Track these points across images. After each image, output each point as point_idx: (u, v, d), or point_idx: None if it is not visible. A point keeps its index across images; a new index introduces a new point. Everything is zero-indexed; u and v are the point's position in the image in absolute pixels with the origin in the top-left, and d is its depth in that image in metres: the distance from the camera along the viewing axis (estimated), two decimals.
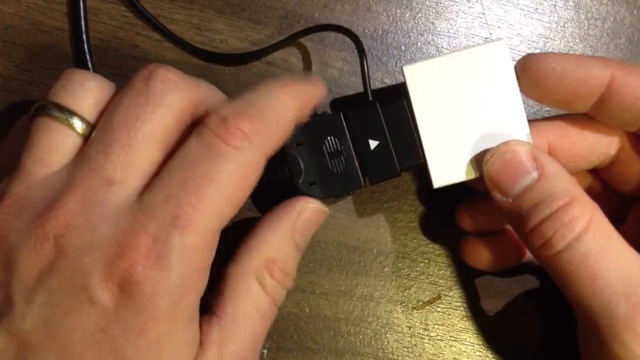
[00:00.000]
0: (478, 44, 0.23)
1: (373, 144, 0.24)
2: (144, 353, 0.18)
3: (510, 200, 0.21)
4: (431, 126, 0.23)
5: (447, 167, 0.23)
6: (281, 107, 0.21)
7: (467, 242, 0.27)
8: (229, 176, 0.19)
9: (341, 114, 0.24)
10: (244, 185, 0.20)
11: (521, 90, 0.23)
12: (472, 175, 0.23)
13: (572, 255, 0.20)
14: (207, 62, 0.27)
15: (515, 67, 0.23)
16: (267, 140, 0.20)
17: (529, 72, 0.22)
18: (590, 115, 0.23)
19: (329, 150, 0.24)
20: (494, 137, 0.23)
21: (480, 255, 0.26)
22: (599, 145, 0.24)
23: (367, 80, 0.25)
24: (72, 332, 0.18)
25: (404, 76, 0.23)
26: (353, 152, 0.24)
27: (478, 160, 0.23)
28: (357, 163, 0.24)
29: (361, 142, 0.24)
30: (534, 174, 0.21)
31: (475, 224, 0.26)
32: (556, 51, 0.29)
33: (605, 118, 0.23)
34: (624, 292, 0.19)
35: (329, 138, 0.24)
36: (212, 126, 0.19)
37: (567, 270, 0.20)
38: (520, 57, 0.23)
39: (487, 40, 0.28)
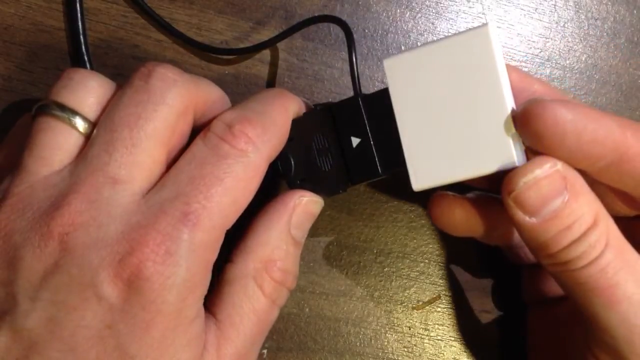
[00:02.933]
0: (464, 30, 0.21)
1: (355, 141, 0.23)
2: (149, 349, 0.19)
3: (535, 222, 0.20)
4: (411, 123, 0.21)
5: (428, 169, 0.21)
6: (278, 114, 0.22)
7: (443, 198, 0.24)
8: (235, 177, 0.20)
9: (328, 110, 0.23)
10: (248, 187, 0.20)
11: (522, 137, 0.20)
12: (456, 178, 0.21)
13: (593, 269, 0.20)
14: (201, 52, 0.27)
15: (521, 115, 0.19)
16: (268, 143, 0.21)
17: (538, 121, 0.19)
18: (594, 176, 0.21)
19: (318, 147, 0.23)
20: (479, 134, 0.20)
21: (454, 216, 0.24)
22: None
23: (356, 70, 0.23)
24: (77, 329, 0.18)
25: (384, 69, 0.22)
26: (339, 150, 0.23)
27: (461, 162, 0.21)
28: (343, 161, 0.23)
29: (344, 139, 0.23)
30: (565, 196, 0.19)
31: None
32: (556, 52, 0.29)
33: (607, 180, 0.21)
34: None
35: (318, 134, 0.23)
36: (217, 131, 0.20)
37: (587, 283, 0.20)
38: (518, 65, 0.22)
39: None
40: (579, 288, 0.20)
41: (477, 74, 0.20)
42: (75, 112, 0.20)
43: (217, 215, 0.19)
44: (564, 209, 0.19)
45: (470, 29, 0.20)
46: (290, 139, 0.23)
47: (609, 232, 0.20)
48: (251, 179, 0.20)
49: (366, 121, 0.22)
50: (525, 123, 0.19)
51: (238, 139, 0.20)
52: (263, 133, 0.20)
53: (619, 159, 0.20)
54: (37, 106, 0.20)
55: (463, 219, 0.24)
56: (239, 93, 0.27)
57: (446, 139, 0.21)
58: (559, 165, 0.20)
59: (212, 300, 0.22)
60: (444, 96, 0.21)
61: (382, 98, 0.22)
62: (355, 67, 0.23)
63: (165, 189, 0.19)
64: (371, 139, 0.22)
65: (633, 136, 0.19)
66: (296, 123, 0.23)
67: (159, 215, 0.19)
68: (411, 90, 0.21)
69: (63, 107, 0.20)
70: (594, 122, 0.19)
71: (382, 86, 0.28)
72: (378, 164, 0.22)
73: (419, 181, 0.21)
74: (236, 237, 0.23)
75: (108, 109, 0.20)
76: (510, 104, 0.20)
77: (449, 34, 0.22)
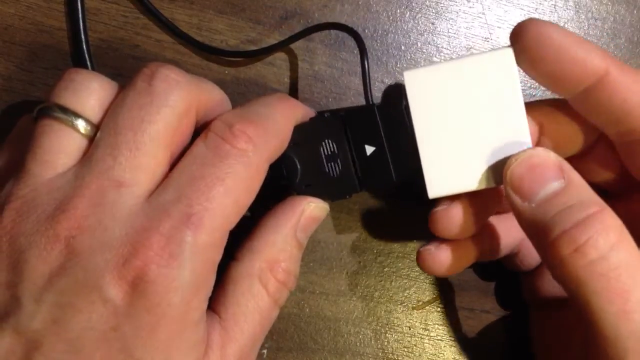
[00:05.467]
0: (483, 51, 0.22)
1: (369, 149, 0.23)
2: (154, 352, 0.19)
3: (534, 205, 0.20)
4: (429, 134, 0.22)
5: (443, 178, 0.22)
6: (280, 116, 0.22)
7: (426, 252, 0.24)
8: (236, 178, 0.20)
9: (340, 117, 0.24)
10: (250, 187, 0.20)
11: (516, 52, 0.21)
12: (470, 187, 0.22)
13: (606, 268, 0.18)
14: (208, 55, 0.27)
15: (513, 30, 0.21)
16: (269, 144, 0.21)
17: (527, 35, 0.20)
18: (571, 104, 0.22)
19: (326, 153, 0.24)
20: (494, 149, 0.22)
21: (440, 263, 0.24)
22: (581, 132, 0.23)
23: (368, 81, 0.24)
24: (83, 331, 0.18)
25: (404, 81, 0.22)
26: (350, 157, 0.24)
27: (476, 173, 0.22)
28: (353, 168, 0.24)
29: (358, 147, 0.23)
30: (560, 182, 0.20)
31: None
32: None
33: (586, 111, 0.22)
34: None
35: (326, 140, 0.24)
36: (218, 130, 0.20)
37: (598, 284, 0.18)
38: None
39: (487, 39, 0.28)
40: (587, 291, 0.18)
41: (497, 92, 0.22)
42: (77, 115, 0.20)
43: (219, 216, 0.19)
44: (563, 191, 0.20)
45: (492, 50, 0.22)
46: (297, 144, 0.23)
47: (619, 228, 0.19)
48: (252, 179, 0.20)
49: (382, 130, 0.23)
50: (519, 36, 0.21)
51: (238, 138, 0.20)
52: (264, 133, 0.21)
53: (597, 84, 0.20)
54: (38, 108, 0.20)
55: (454, 263, 0.24)
56: (239, 93, 0.27)
57: (462, 150, 0.22)
58: (552, 154, 0.20)
59: (215, 298, 0.22)
60: (462, 110, 0.22)
61: (397, 108, 0.23)
62: (367, 78, 0.24)
63: (167, 191, 0.19)
64: (387, 148, 0.23)
65: (613, 64, 0.20)
66: (304, 129, 0.24)
67: (162, 217, 0.19)
68: (430, 103, 0.22)
69: (65, 110, 0.20)
70: (577, 44, 0.20)
71: (382, 85, 0.28)
72: (393, 172, 0.23)
73: (435, 189, 0.22)
74: (240, 235, 0.23)
75: (111, 111, 0.20)
76: (526, 122, 0.21)
77: (468, 54, 0.23)
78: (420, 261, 0.24)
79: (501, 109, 0.22)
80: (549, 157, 0.20)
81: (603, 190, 0.24)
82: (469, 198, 0.23)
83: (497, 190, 0.23)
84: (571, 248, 0.18)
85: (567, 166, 0.20)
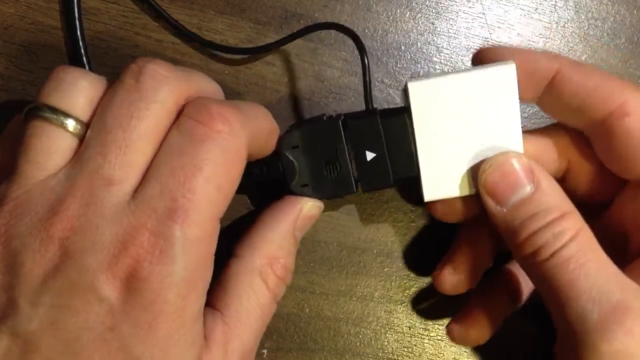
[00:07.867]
0: (487, 65, 0.23)
1: (370, 154, 0.24)
2: (153, 349, 0.19)
3: (505, 211, 0.22)
4: (429, 142, 0.23)
5: (439, 183, 0.23)
6: (258, 111, 0.22)
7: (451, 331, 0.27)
8: (214, 163, 0.19)
9: (340, 121, 0.24)
10: (230, 172, 0.20)
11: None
12: (463, 192, 0.23)
13: (556, 261, 0.20)
14: (209, 53, 0.27)
15: (472, 59, 0.24)
16: (247, 126, 0.20)
17: (483, 62, 0.23)
18: (540, 107, 0.24)
19: (325, 155, 0.24)
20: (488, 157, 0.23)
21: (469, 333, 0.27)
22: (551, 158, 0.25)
23: (368, 83, 0.24)
24: (80, 332, 0.18)
25: (407, 91, 0.23)
26: (348, 160, 0.24)
27: (470, 179, 0.23)
28: (351, 171, 0.24)
29: (358, 151, 0.24)
30: (531, 187, 0.22)
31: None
32: (556, 51, 0.29)
33: (550, 111, 0.24)
34: (598, 299, 0.20)
35: (326, 142, 0.24)
36: (192, 113, 0.20)
37: (550, 276, 0.21)
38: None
39: (487, 39, 0.28)
40: (544, 285, 0.21)
41: (497, 105, 0.23)
42: (67, 114, 0.20)
43: (204, 206, 0.19)
44: (531, 198, 0.22)
45: (494, 64, 0.23)
46: (296, 145, 0.24)
47: (578, 230, 0.21)
48: (231, 163, 0.20)
49: (383, 137, 0.24)
50: (479, 57, 0.24)
51: (214, 119, 0.19)
52: (242, 117, 0.20)
53: (550, 86, 0.22)
54: (27, 109, 0.20)
55: (478, 332, 0.27)
56: (239, 92, 0.27)
57: (459, 158, 0.23)
58: (524, 158, 0.22)
59: (216, 295, 0.22)
60: (462, 120, 0.23)
61: (397, 115, 0.24)
62: (368, 79, 0.24)
63: (149, 185, 0.19)
64: (386, 152, 0.24)
65: (565, 63, 0.22)
66: (303, 131, 0.24)
67: (148, 213, 0.18)
68: (432, 113, 0.23)
69: (54, 110, 0.20)
70: (525, 59, 0.23)
71: (382, 86, 0.28)
72: (391, 175, 0.24)
73: (431, 193, 0.24)
74: (239, 232, 0.23)
75: (100, 109, 0.20)
76: (521, 135, 0.23)
77: (472, 68, 0.24)
78: (451, 338, 0.27)
79: (499, 122, 0.23)
80: (520, 163, 0.22)
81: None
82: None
83: None
84: (530, 250, 0.21)
85: (538, 170, 0.22)
